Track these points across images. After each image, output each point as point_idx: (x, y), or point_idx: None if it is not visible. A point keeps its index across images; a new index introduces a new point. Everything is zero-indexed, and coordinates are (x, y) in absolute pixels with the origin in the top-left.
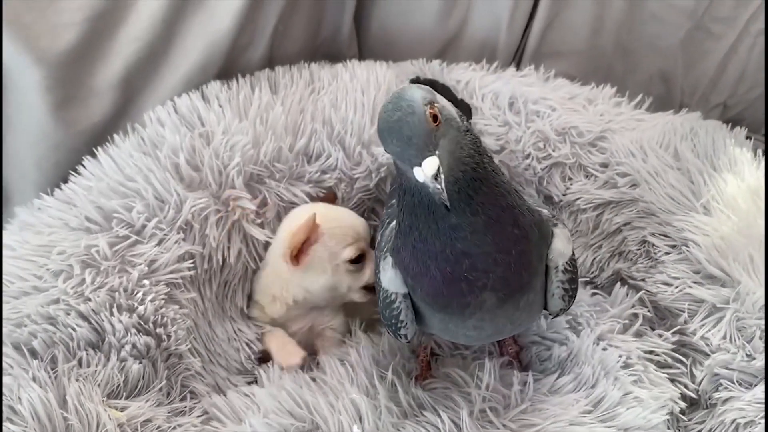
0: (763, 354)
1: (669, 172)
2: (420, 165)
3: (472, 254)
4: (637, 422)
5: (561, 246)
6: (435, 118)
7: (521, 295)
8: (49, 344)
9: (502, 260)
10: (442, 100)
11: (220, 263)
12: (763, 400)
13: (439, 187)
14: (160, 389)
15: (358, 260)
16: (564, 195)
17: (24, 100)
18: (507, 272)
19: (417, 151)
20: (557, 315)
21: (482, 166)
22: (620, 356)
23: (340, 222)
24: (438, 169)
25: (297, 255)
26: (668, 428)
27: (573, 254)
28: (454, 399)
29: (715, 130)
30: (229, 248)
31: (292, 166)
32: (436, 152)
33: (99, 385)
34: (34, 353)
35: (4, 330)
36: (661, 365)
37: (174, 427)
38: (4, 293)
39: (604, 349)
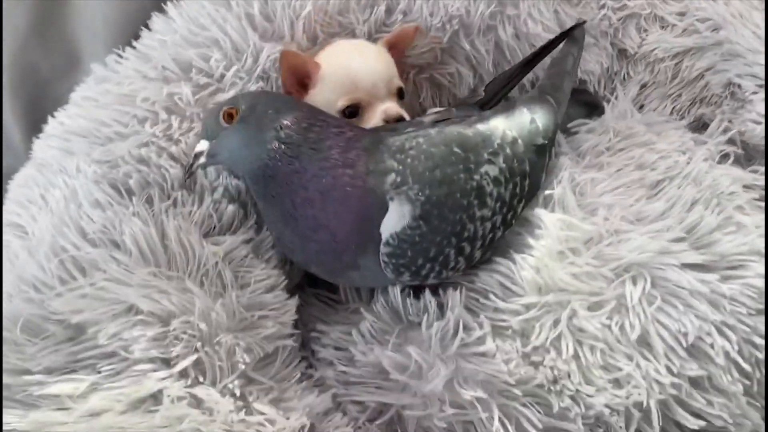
0: None
1: (753, 13)
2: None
3: (282, 236)
4: (739, 249)
5: (389, 221)
6: (230, 116)
7: (349, 271)
8: (144, 185)
9: (310, 248)
10: (252, 107)
11: None
12: None
13: (189, 163)
14: (251, 227)
15: (351, 114)
16: (639, 47)
17: None
18: (321, 256)
19: (201, 130)
20: (396, 281)
21: (276, 166)
22: (731, 181)
23: (341, 68)
24: (201, 152)
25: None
26: None
27: (409, 228)
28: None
29: None
30: None
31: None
32: (212, 140)
33: (195, 224)
34: (130, 192)
35: (99, 171)
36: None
37: (268, 259)
38: (91, 141)
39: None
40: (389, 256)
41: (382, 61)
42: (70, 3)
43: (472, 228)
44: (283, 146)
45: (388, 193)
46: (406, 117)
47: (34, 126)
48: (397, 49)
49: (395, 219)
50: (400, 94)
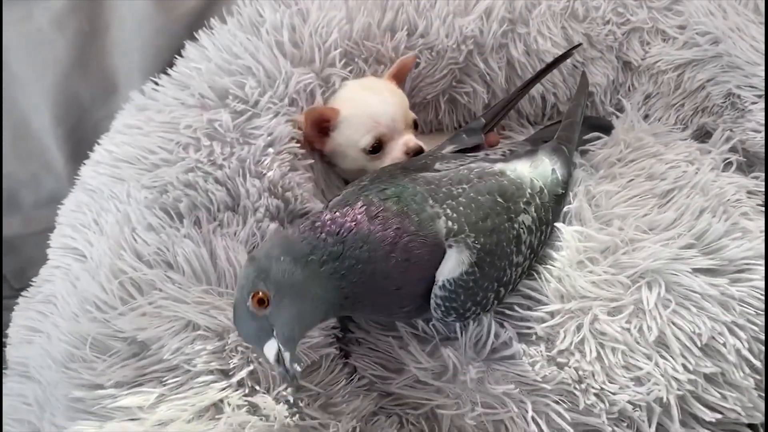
0: None
1: (751, 27)
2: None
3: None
4: (745, 254)
5: (447, 266)
6: (261, 302)
7: (402, 308)
8: (192, 208)
9: (379, 303)
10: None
11: None
12: None
13: (281, 369)
14: None
15: (375, 150)
16: (643, 59)
17: None
18: (386, 303)
19: (255, 344)
20: (440, 320)
21: (347, 276)
22: (736, 189)
23: (360, 108)
24: (278, 350)
25: (313, 141)
26: None
27: (465, 274)
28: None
29: None
30: None
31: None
32: (273, 334)
33: (240, 242)
34: (180, 216)
35: (149, 196)
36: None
37: None
38: (139, 167)
39: (723, 182)
40: (443, 300)
41: (397, 96)
42: (108, 34)
43: (510, 273)
44: (339, 266)
45: (447, 240)
46: (425, 148)
47: (75, 151)
48: (399, 78)
49: (453, 265)
50: (415, 125)
